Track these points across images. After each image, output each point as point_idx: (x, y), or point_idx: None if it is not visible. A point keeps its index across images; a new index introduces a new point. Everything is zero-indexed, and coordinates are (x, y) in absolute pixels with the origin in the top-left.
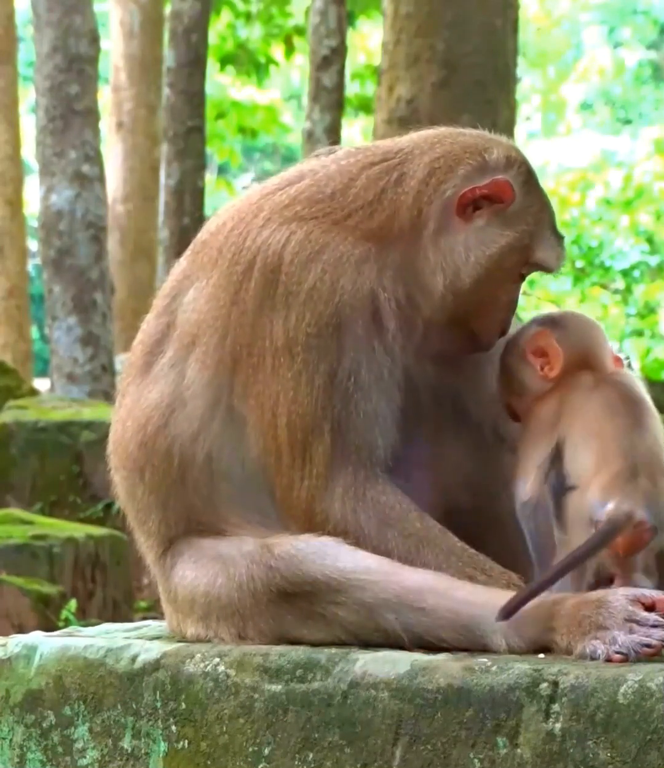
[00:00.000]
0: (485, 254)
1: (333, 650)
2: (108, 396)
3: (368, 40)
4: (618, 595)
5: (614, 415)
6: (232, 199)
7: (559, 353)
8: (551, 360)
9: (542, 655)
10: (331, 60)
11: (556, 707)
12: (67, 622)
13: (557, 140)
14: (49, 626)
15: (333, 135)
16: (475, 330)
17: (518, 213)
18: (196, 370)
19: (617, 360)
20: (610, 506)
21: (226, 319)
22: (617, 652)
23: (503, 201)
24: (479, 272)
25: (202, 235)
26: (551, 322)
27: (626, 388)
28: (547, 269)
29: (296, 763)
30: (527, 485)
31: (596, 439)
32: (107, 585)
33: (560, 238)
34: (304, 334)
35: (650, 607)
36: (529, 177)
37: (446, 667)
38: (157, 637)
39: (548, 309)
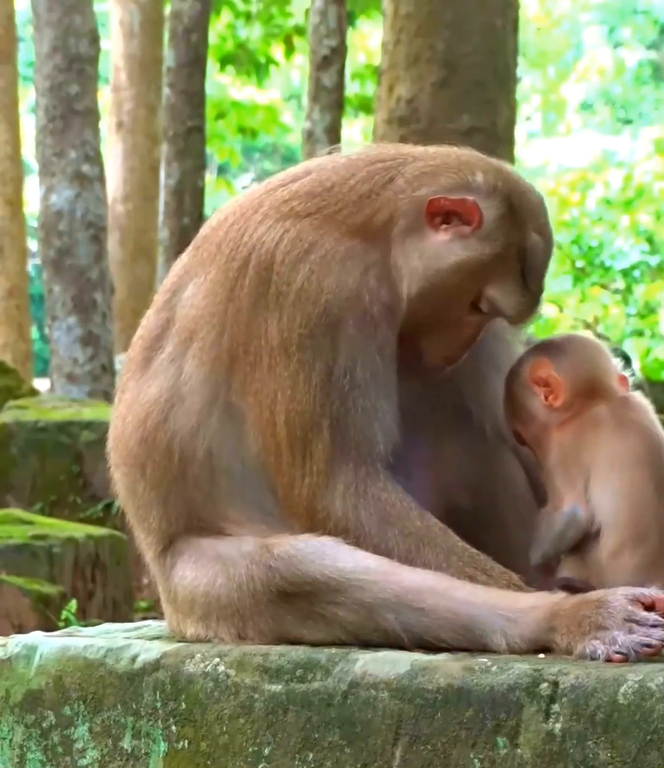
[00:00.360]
0: (434, 267)
1: (333, 650)
2: (108, 396)
3: (368, 40)
4: (617, 595)
5: (638, 464)
6: (235, 196)
7: (560, 383)
8: (554, 390)
9: (542, 655)
10: (331, 60)
11: (556, 707)
12: (67, 622)
13: (557, 140)
14: (49, 626)
15: (333, 135)
16: (422, 348)
17: (483, 241)
18: (194, 366)
19: (623, 379)
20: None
21: (223, 316)
22: (617, 652)
23: (470, 222)
24: (424, 285)
25: (204, 230)
26: (551, 350)
27: (650, 433)
28: (501, 312)
29: (296, 763)
30: (584, 510)
31: (624, 499)
32: (107, 585)
33: (527, 289)
34: (298, 334)
35: (649, 607)
36: (511, 213)
37: (446, 667)
38: (157, 637)
39: (550, 306)
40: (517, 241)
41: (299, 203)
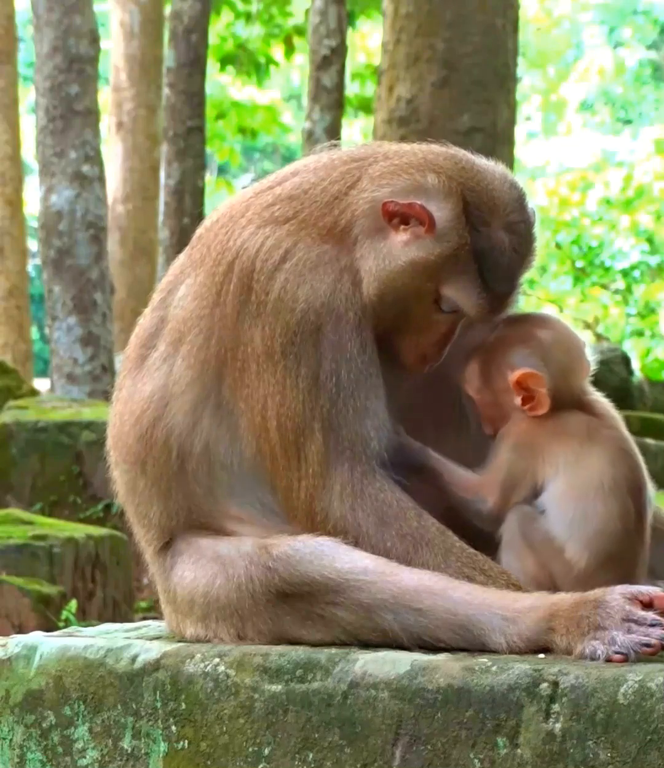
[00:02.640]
0: (386, 268)
1: (333, 650)
2: (108, 396)
3: (368, 40)
4: (615, 594)
5: (617, 490)
6: (232, 195)
7: (546, 398)
8: (538, 403)
9: (542, 655)
10: (331, 60)
11: (556, 707)
12: (67, 622)
13: (557, 140)
14: (49, 626)
15: (333, 135)
16: (398, 348)
17: (436, 243)
18: (182, 367)
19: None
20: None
21: (210, 320)
22: (617, 653)
23: (423, 224)
24: (378, 286)
25: (200, 229)
26: (541, 353)
27: (629, 455)
28: (463, 311)
29: (296, 763)
30: (491, 503)
31: (600, 528)
32: (107, 585)
33: (486, 288)
34: (280, 343)
35: (648, 605)
36: (466, 213)
37: (446, 667)
38: (157, 637)
39: (551, 306)
40: (472, 241)
41: (280, 208)
